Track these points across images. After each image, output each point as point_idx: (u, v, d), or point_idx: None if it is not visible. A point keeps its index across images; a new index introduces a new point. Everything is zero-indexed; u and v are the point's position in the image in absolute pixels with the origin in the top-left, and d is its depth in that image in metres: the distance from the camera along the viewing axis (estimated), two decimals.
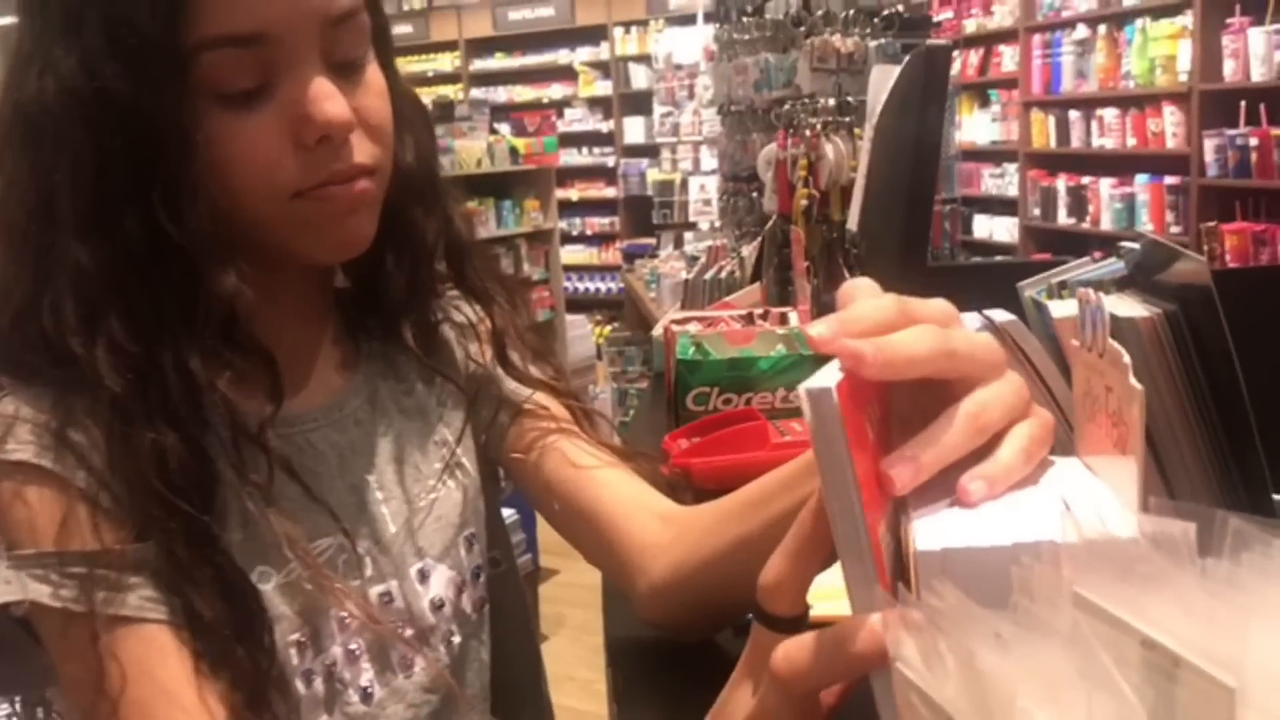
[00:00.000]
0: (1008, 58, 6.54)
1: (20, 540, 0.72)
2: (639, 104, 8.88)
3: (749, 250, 1.99)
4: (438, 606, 0.89)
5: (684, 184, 7.16)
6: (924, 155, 1.67)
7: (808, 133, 2.14)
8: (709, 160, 6.99)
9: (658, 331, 1.93)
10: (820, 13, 2.40)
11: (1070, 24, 5.91)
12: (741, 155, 2.56)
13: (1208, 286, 0.55)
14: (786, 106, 2.15)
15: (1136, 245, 0.65)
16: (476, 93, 9.08)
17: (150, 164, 0.71)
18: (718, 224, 6.81)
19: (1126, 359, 0.47)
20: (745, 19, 2.53)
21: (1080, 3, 5.82)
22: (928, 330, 0.47)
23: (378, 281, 0.89)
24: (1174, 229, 5.28)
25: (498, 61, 9.55)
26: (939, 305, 0.50)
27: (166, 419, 0.72)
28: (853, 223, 2.01)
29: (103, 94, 0.70)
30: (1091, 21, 5.77)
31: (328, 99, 0.73)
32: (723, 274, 2.05)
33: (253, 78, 0.72)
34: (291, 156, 0.74)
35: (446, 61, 9.60)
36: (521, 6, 9.39)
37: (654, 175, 8.17)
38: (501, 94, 9.37)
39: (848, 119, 2.20)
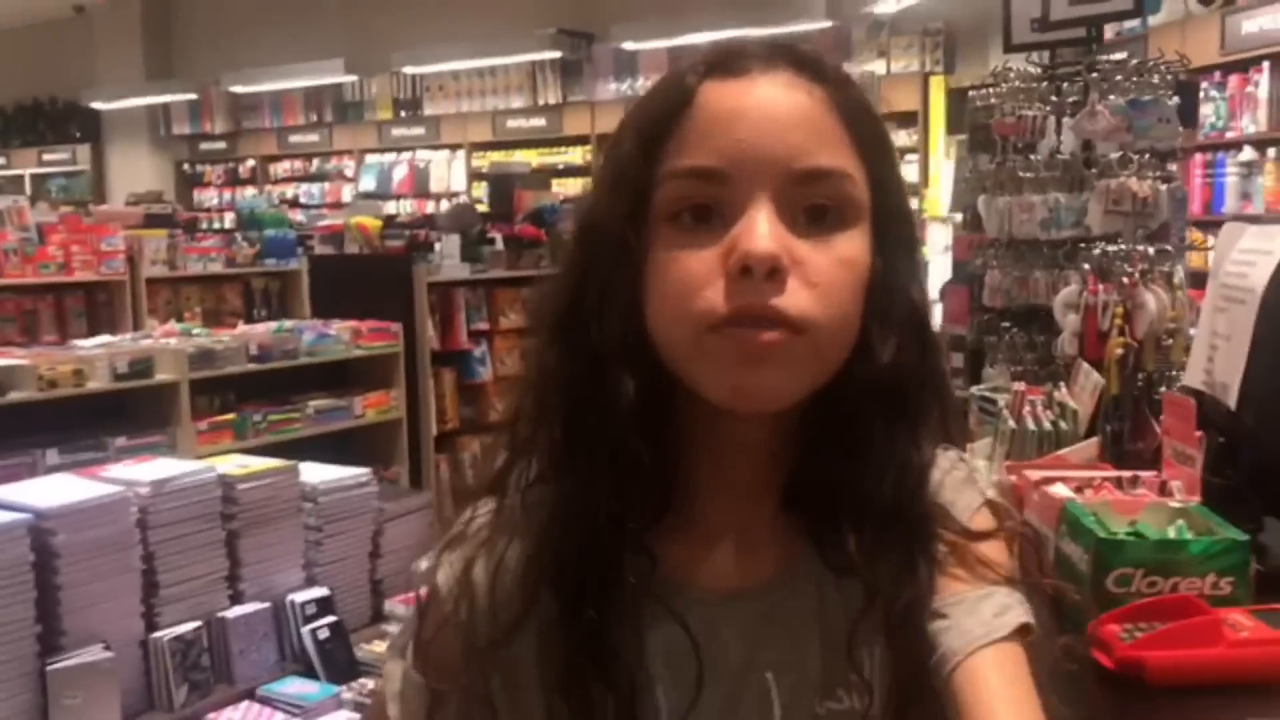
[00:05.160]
0: None
1: None
2: None
3: (1074, 401, 1.94)
4: None
5: None
6: None
7: (1125, 280, 2.09)
8: None
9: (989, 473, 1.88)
10: (1117, 155, 2.37)
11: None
12: (1019, 291, 2.53)
13: None
14: (1098, 251, 2.11)
15: None
16: None
17: (603, 279, 0.77)
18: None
19: None
20: (1033, 157, 2.51)
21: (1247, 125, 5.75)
22: None
23: (814, 486, 0.80)
24: None
25: None
26: None
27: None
28: (1191, 379, 1.94)
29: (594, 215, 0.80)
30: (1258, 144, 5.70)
31: (758, 233, 0.73)
32: (1045, 425, 1.99)
33: (704, 206, 0.75)
34: (717, 285, 0.74)
35: (578, 155, 9.80)
36: None
37: None
38: None
39: (1165, 267, 2.15)
